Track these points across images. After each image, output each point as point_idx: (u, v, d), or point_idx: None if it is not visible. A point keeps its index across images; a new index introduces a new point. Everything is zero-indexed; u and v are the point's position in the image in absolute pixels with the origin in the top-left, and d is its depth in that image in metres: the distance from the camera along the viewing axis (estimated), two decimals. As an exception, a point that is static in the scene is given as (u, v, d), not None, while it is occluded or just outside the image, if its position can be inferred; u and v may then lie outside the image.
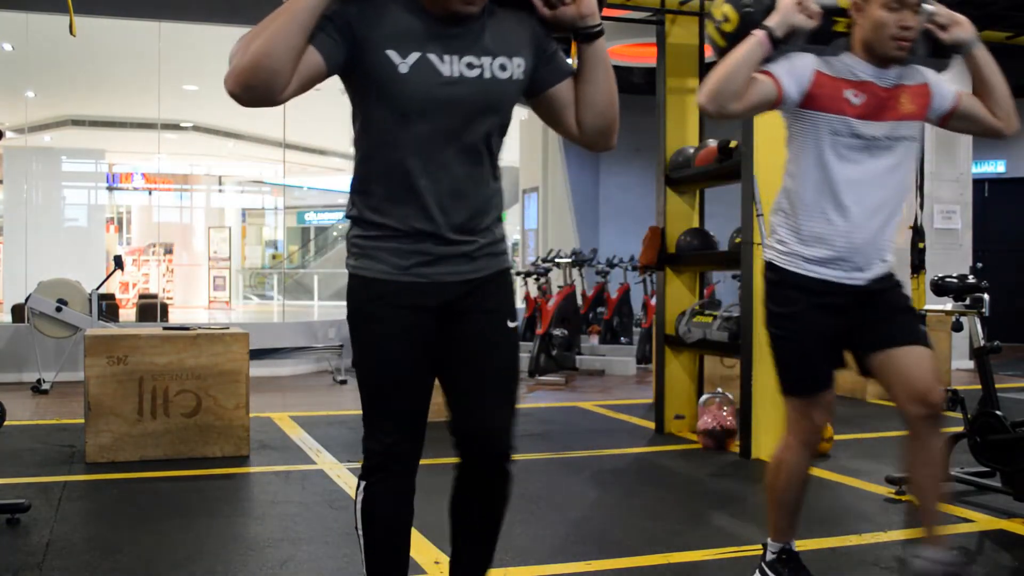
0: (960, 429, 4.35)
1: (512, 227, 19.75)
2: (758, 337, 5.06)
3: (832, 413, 2.87)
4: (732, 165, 5.32)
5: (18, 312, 9.07)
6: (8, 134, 13.13)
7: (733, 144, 5.37)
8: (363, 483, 2.18)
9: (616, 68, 2.20)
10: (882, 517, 4.01)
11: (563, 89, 2.16)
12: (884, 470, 4.68)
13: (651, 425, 6.14)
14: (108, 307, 9.44)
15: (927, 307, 4.66)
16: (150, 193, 20.58)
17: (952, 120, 2.84)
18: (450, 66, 2.02)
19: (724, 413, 5.43)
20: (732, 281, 10.42)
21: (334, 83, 2.17)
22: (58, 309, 7.72)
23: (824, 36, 2.74)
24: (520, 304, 12.79)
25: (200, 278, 18.33)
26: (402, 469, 2.17)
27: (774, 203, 2.91)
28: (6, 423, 4.13)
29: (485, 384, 2.17)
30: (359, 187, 2.14)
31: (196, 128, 16.31)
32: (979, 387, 4.22)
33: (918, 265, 5.00)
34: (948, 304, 4.36)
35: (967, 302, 4.24)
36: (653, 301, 9.11)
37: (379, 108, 2.06)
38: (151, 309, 10.89)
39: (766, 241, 2.89)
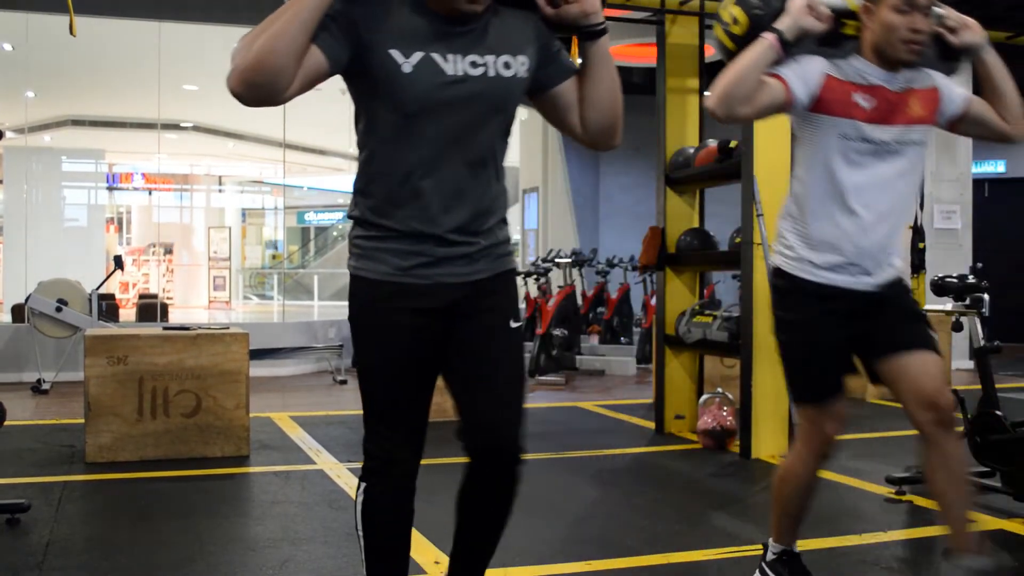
0: (960, 429, 4.35)
1: (512, 227, 19.73)
2: (758, 337, 5.06)
3: (843, 423, 2.83)
4: (732, 165, 5.32)
5: (18, 312, 9.07)
6: (8, 134, 13.13)
7: (733, 144, 5.37)
8: (363, 485, 2.17)
9: (616, 68, 2.19)
10: (882, 517, 4.01)
11: (567, 88, 2.16)
12: (884, 470, 4.67)
13: (651, 425, 6.14)
14: (108, 307, 9.44)
15: (927, 307, 4.66)
16: (150, 193, 20.59)
17: (962, 124, 2.81)
18: (454, 65, 2.01)
19: (724, 413, 5.43)
20: (732, 281, 10.42)
21: (334, 83, 2.17)
22: (58, 309, 7.72)
23: (834, 39, 2.71)
24: (520, 304, 12.79)
25: (200, 278, 18.33)
26: (403, 471, 2.15)
27: (782, 208, 2.87)
28: (6, 423, 4.12)
29: (491, 387, 2.13)
30: (361, 187, 2.13)
31: (196, 128, 16.30)
32: (979, 387, 4.22)
33: (918, 265, 5.00)
34: (948, 304, 4.36)
35: (967, 302, 4.24)
36: (653, 301, 9.11)
37: (382, 108, 2.04)
38: (151, 309, 10.89)
39: (774, 246, 2.89)
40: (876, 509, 4.15)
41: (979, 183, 12.21)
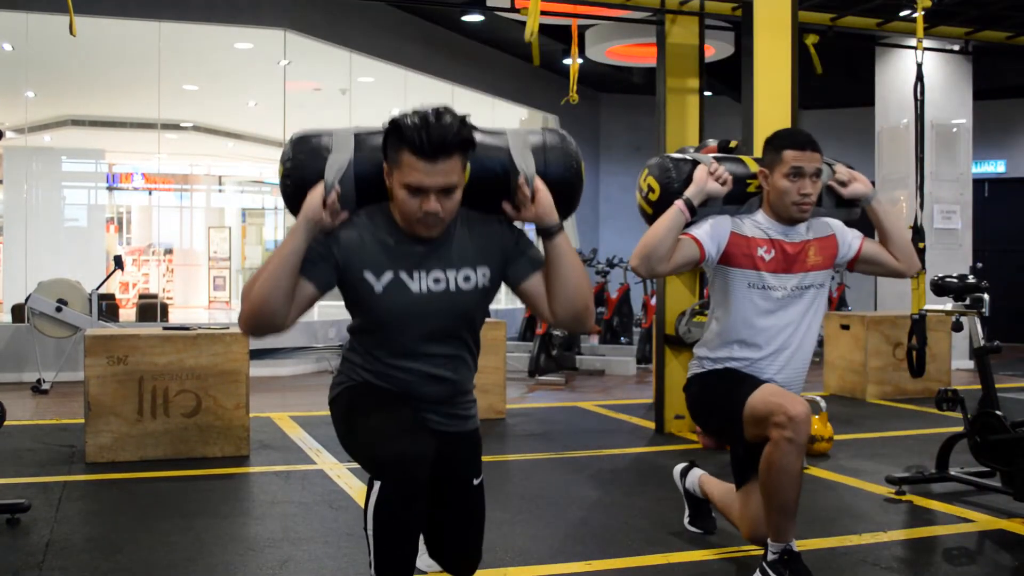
0: (960, 429, 4.36)
1: (512, 227, 19.65)
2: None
3: (788, 395, 2.93)
4: (732, 165, 5.31)
5: (18, 312, 9.07)
6: (8, 134, 13.12)
7: (733, 144, 5.35)
8: (377, 483, 2.24)
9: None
10: (882, 517, 4.01)
11: (536, 282, 2.45)
12: (884, 470, 4.67)
13: (651, 425, 6.14)
14: (108, 307, 9.44)
15: (927, 307, 4.66)
16: (150, 193, 20.57)
17: (857, 264, 3.21)
18: (419, 283, 2.36)
19: (724, 413, 5.42)
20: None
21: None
22: (58, 309, 7.71)
23: (739, 198, 3.14)
24: (520, 304, 12.77)
25: (200, 278, 18.32)
26: (416, 468, 2.23)
27: (702, 338, 3.24)
28: (6, 423, 4.12)
29: (459, 540, 2.55)
30: (350, 352, 2.53)
31: (196, 128, 16.29)
32: (979, 387, 4.22)
33: (918, 265, 4.99)
34: (948, 304, 4.36)
35: (967, 302, 4.24)
36: (653, 301, 9.11)
37: (363, 315, 2.43)
38: (151, 309, 10.88)
39: (691, 365, 3.25)
40: (876, 509, 4.15)
41: (979, 183, 12.21)
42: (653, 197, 3.19)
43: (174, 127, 15.79)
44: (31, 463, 4.92)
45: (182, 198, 20.42)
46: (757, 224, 3.10)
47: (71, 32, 5.28)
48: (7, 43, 11.67)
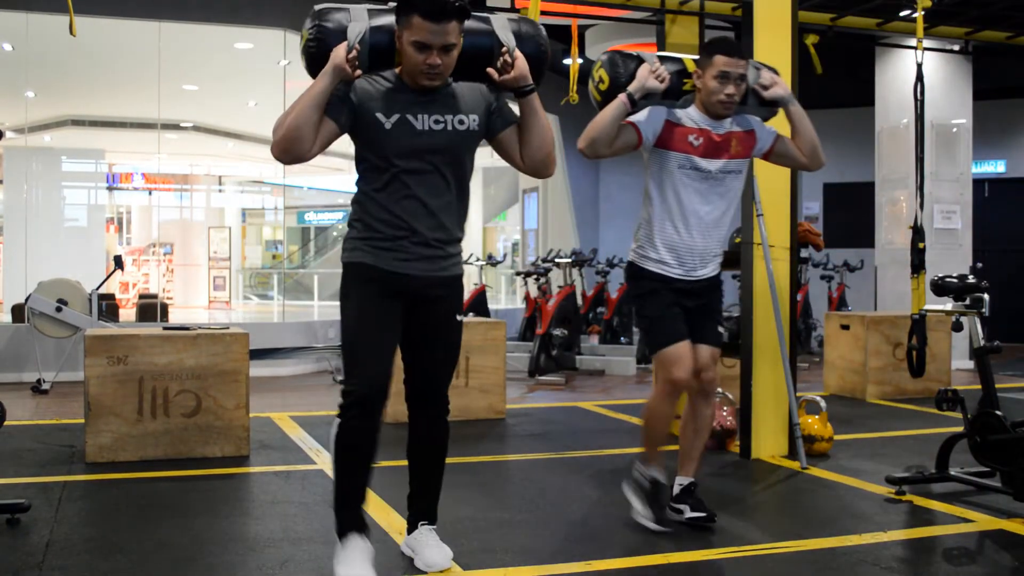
0: (960, 429, 4.36)
1: (512, 227, 19.71)
2: (758, 337, 5.07)
3: (689, 370, 3.62)
4: (732, 165, 5.31)
5: (18, 312, 9.07)
6: (8, 134, 13.12)
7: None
8: (339, 419, 2.96)
9: (546, 117, 3.07)
10: (882, 517, 4.01)
11: (510, 133, 3.13)
12: (884, 470, 4.68)
13: (651, 425, 6.12)
14: (108, 307, 9.44)
15: (927, 307, 4.66)
16: (150, 193, 20.58)
17: (771, 156, 3.79)
18: (422, 123, 2.97)
19: (724, 413, 5.42)
20: (732, 281, 10.42)
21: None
22: (58, 309, 7.72)
23: (676, 93, 3.69)
24: (520, 304, 12.78)
25: (200, 278, 18.32)
26: (372, 408, 2.94)
27: (637, 221, 3.78)
28: (6, 423, 4.12)
29: (436, 363, 3.16)
30: (356, 200, 3.07)
31: (196, 128, 16.30)
32: (979, 387, 4.22)
33: (918, 265, 4.99)
34: (948, 304, 4.36)
35: (967, 302, 4.24)
36: (653, 301, 9.08)
37: (372, 155, 3.00)
38: (151, 309, 10.88)
39: (631, 247, 3.78)
40: (876, 509, 4.15)
41: (979, 183, 12.21)
42: (603, 87, 3.69)
43: (174, 127, 15.80)
44: (31, 463, 4.92)
45: (182, 198, 20.43)
46: (690, 116, 3.65)
47: (71, 32, 5.28)
48: (7, 43, 11.67)
